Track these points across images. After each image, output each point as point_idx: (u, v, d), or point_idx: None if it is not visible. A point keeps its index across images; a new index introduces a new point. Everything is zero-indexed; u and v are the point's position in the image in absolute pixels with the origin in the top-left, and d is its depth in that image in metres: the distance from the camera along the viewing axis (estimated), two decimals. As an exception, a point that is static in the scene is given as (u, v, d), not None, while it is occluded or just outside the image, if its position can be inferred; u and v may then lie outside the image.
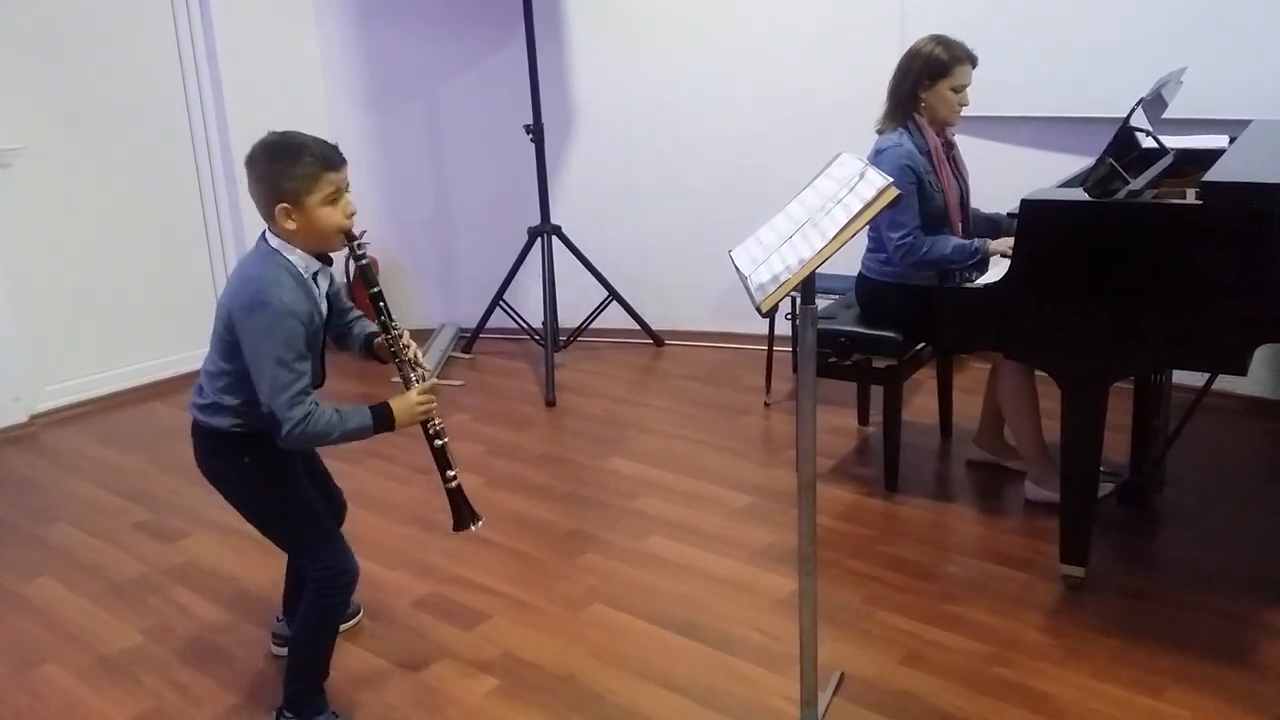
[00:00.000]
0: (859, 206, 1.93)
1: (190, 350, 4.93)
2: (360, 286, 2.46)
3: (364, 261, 2.33)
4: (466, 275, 5.57)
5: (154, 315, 4.98)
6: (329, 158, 2.22)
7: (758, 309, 1.93)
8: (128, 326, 4.90)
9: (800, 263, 1.96)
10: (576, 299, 5.18)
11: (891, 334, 3.45)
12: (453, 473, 2.45)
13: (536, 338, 4.92)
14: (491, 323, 5.22)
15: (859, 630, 2.76)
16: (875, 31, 4.50)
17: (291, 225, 2.21)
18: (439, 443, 2.41)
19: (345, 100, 5.43)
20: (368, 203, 5.51)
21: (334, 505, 2.67)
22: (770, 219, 2.26)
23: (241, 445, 2.33)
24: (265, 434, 2.25)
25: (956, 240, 3.36)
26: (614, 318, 5.20)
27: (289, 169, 2.18)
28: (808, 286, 2.09)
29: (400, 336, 2.40)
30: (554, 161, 5.21)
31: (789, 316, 4.31)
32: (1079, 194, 2.71)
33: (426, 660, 2.72)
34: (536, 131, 4.80)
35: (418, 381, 2.38)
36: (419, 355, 2.43)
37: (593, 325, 5.23)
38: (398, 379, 2.41)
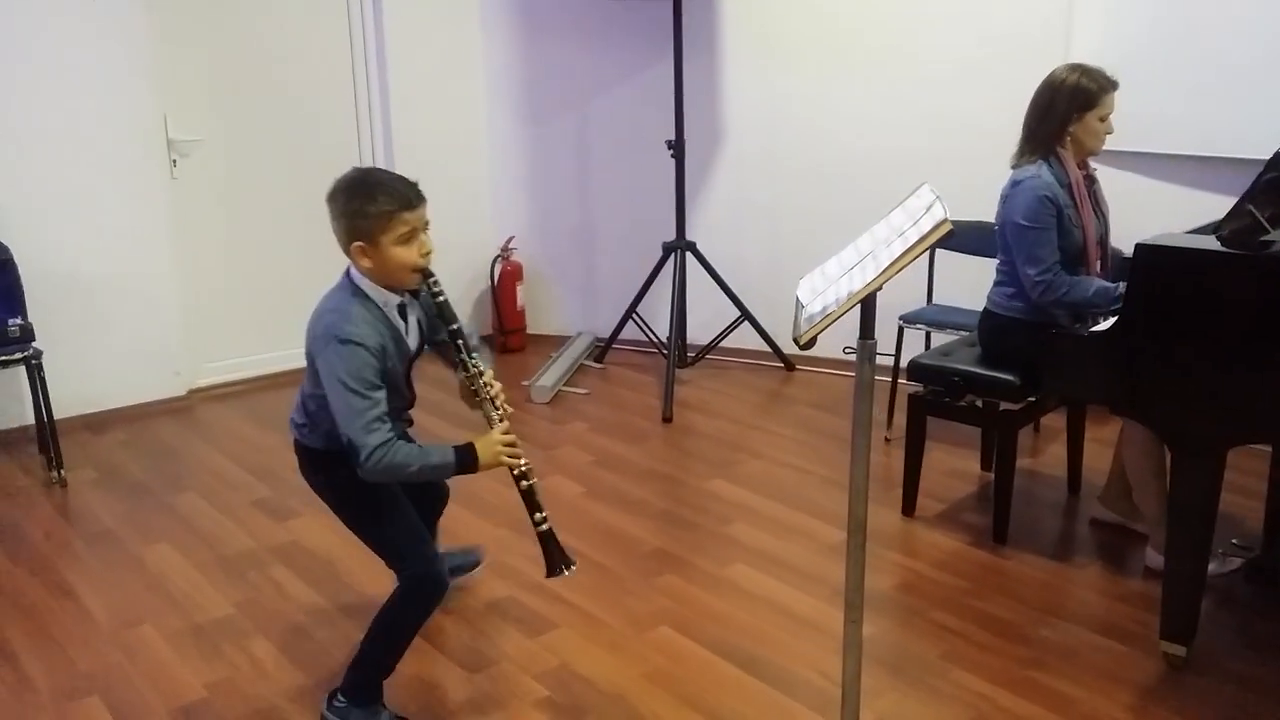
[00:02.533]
0: (915, 239, 1.83)
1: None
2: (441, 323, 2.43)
3: (441, 299, 2.36)
4: (606, 286, 5.61)
5: (309, 305, 5.22)
6: (405, 197, 2.25)
7: (795, 340, 1.86)
8: (285, 312, 5.15)
9: (849, 296, 1.88)
10: (711, 317, 5.16)
11: (1008, 376, 3.27)
12: (542, 515, 2.40)
13: (664, 352, 4.92)
14: (625, 334, 5.25)
15: (928, 686, 2.62)
16: (1037, 55, 4.29)
17: (366, 263, 2.27)
18: (526, 484, 2.39)
19: (504, 110, 5.57)
20: (519, 212, 5.71)
21: (434, 497, 2.75)
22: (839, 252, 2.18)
23: (335, 462, 2.36)
24: None
25: (1100, 283, 3.16)
26: (747, 338, 5.14)
27: (364, 208, 2.23)
28: (866, 321, 2.01)
29: (480, 375, 2.39)
30: (698, 178, 5.20)
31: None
32: (1205, 241, 2.50)
33: (486, 662, 2.76)
34: (678, 147, 4.81)
35: (500, 421, 2.37)
36: (501, 394, 2.42)
37: (726, 345, 5.19)
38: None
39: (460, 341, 2.39)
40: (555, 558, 2.42)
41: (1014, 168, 3.30)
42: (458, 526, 3.45)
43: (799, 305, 2.08)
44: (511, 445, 2.35)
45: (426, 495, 2.76)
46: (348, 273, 2.35)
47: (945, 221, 1.78)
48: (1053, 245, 3.15)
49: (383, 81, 5.27)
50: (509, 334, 5.61)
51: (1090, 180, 3.31)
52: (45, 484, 3.94)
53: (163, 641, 2.87)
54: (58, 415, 4.07)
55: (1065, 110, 3.18)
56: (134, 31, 4.47)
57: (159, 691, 2.64)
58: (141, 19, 4.49)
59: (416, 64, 5.33)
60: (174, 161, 4.75)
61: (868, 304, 1.98)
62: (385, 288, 2.32)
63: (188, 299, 4.85)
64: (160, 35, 4.60)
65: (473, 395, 2.42)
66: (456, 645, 2.83)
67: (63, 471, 3.94)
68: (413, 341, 2.44)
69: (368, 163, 5.32)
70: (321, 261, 5.12)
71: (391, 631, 2.46)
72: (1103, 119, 3.19)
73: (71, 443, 4.23)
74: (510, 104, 5.58)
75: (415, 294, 2.41)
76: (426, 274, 2.32)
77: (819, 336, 1.92)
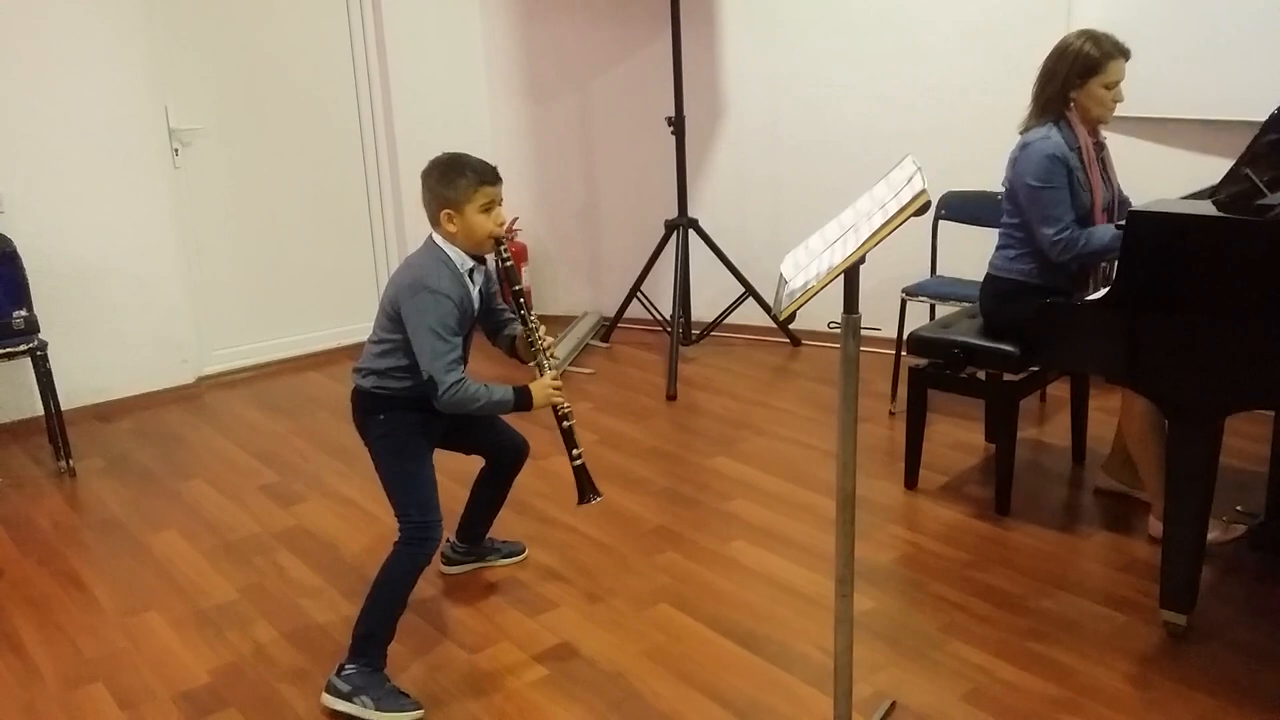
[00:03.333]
0: (894, 211, 1.82)
1: (348, 325, 5.23)
2: (505, 284, 2.78)
3: (509, 263, 2.72)
4: (611, 265, 5.61)
5: (317, 290, 5.27)
6: (487, 175, 2.61)
7: (775, 317, 1.85)
8: (292, 298, 5.20)
9: (829, 270, 1.86)
10: (716, 294, 5.15)
11: (1008, 347, 3.24)
12: (578, 451, 2.75)
13: (669, 330, 4.91)
14: (631, 313, 5.25)
15: (927, 659, 2.62)
16: (1038, 25, 4.26)
17: (452, 227, 2.61)
18: (567, 424, 2.75)
19: (505, 91, 5.56)
20: (522, 192, 5.70)
21: (514, 450, 2.98)
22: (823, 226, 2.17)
23: (378, 404, 2.68)
24: (401, 398, 2.64)
25: (1114, 229, 3.11)
26: (753, 314, 5.12)
27: (455, 180, 2.59)
28: (850, 294, 2.00)
29: (537, 329, 2.74)
30: (699, 155, 5.18)
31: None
32: (1201, 207, 2.47)
33: (486, 641, 2.77)
34: (678, 124, 4.78)
35: (551, 370, 2.72)
36: (553, 347, 2.78)
37: (732, 322, 5.18)
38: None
39: (522, 300, 2.73)
40: (585, 488, 2.76)
41: (1022, 132, 3.26)
42: (459, 506, 3.46)
43: (782, 281, 2.07)
44: (559, 389, 2.71)
45: (507, 449, 2.98)
46: (430, 238, 2.66)
47: (923, 193, 1.76)
48: (1067, 204, 3.11)
49: (382, 64, 5.26)
50: (515, 315, 5.61)
51: (1100, 148, 3.27)
52: (54, 474, 3.98)
53: (167, 628, 2.90)
54: (67, 405, 4.12)
55: (1067, 76, 3.14)
56: (133, 22, 4.47)
57: (162, 677, 2.66)
58: (140, 8, 4.49)
59: (416, 45, 5.31)
60: (176, 151, 4.76)
61: (851, 277, 1.97)
62: (465, 251, 2.63)
63: (194, 287, 4.87)
64: (158, 25, 4.60)
65: (529, 347, 2.75)
66: (456, 626, 2.85)
67: (71, 461, 3.98)
68: (477, 304, 2.72)
69: (369, 147, 5.34)
70: (326, 244, 5.23)
71: (390, 581, 2.57)
72: (1108, 86, 3.13)
73: (80, 432, 4.27)
74: (511, 84, 5.57)
75: (482, 262, 2.71)
76: (499, 241, 2.65)
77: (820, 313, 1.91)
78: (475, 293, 2.69)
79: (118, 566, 3.26)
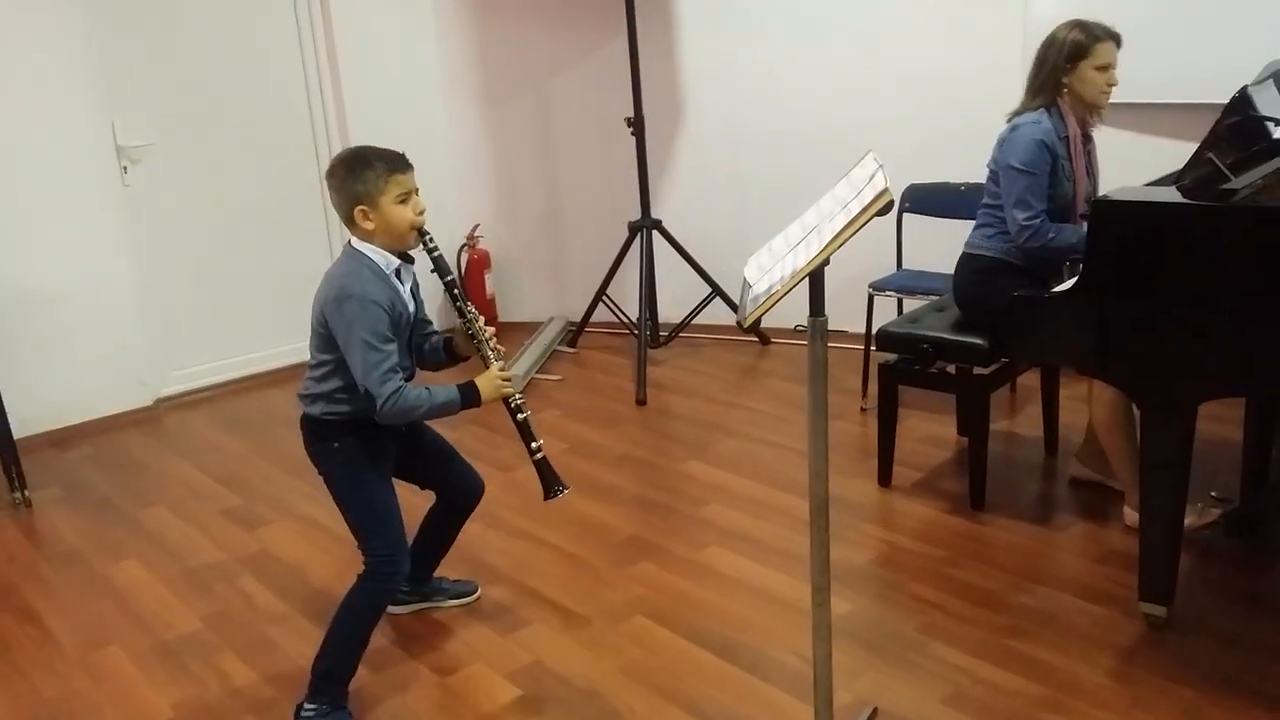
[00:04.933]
0: (857, 210, 1.77)
1: (308, 340, 5.10)
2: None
3: (436, 254, 2.55)
4: (575, 269, 5.54)
5: (274, 305, 5.16)
6: (397, 163, 2.47)
7: (739, 324, 1.80)
8: (250, 314, 5.10)
9: (793, 273, 1.81)
10: (683, 294, 5.09)
11: (977, 340, 3.21)
12: (537, 444, 2.60)
13: (636, 333, 4.85)
14: (597, 317, 5.19)
15: (907, 662, 2.58)
16: (997, 15, 4.25)
17: (369, 225, 2.46)
18: (521, 416, 2.58)
19: (461, 97, 5.48)
20: (482, 198, 5.63)
21: (467, 490, 2.83)
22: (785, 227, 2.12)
23: (332, 431, 2.53)
24: (354, 422, 2.49)
25: (1084, 230, 3.09)
26: (721, 314, 5.07)
27: (364, 173, 2.44)
28: (816, 297, 1.95)
29: (476, 320, 2.58)
30: (661, 155, 5.12)
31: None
32: (1166, 193, 2.44)
33: (457, 663, 2.71)
34: (637, 124, 4.73)
35: (496, 359, 2.57)
36: (494, 336, 2.62)
37: (700, 322, 5.13)
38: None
39: (456, 290, 2.59)
40: (550, 481, 2.61)
41: (1010, 118, 3.23)
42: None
43: (746, 286, 2.02)
44: (508, 380, 2.55)
45: (460, 488, 2.83)
46: (349, 243, 2.52)
47: (885, 191, 1.71)
48: (1043, 192, 3.10)
49: (334, 73, 5.16)
50: (480, 323, 5.53)
51: (1087, 139, 3.26)
52: (9, 505, 3.85)
53: (129, 662, 2.81)
54: (21, 434, 4.00)
55: (1056, 61, 3.13)
56: (76, 38, 4.37)
57: (125, 715, 2.58)
58: (79, 26, 4.38)
59: (368, 53, 5.21)
60: (124, 168, 4.65)
61: (816, 280, 1.93)
62: (387, 249, 2.48)
63: (149, 307, 4.76)
64: (102, 40, 4.49)
65: (469, 340, 2.60)
66: (427, 648, 2.78)
67: (26, 491, 3.86)
68: (411, 306, 2.56)
69: (324, 157, 5.22)
70: (284, 258, 5.13)
71: (355, 614, 2.50)
72: (1099, 69, 3.12)
73: (36, 461, 4.15)
74: (467, 90, 5.49)
75: (408, 260, 2.54)
76: (422, 232, 2.50)
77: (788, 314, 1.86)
78: (407, 293, 2.54)
79: (77, 600, 3.17)
